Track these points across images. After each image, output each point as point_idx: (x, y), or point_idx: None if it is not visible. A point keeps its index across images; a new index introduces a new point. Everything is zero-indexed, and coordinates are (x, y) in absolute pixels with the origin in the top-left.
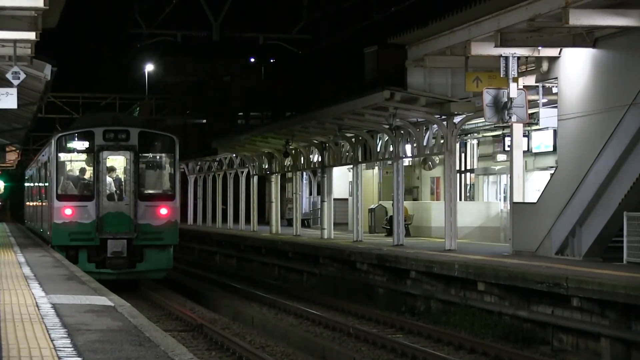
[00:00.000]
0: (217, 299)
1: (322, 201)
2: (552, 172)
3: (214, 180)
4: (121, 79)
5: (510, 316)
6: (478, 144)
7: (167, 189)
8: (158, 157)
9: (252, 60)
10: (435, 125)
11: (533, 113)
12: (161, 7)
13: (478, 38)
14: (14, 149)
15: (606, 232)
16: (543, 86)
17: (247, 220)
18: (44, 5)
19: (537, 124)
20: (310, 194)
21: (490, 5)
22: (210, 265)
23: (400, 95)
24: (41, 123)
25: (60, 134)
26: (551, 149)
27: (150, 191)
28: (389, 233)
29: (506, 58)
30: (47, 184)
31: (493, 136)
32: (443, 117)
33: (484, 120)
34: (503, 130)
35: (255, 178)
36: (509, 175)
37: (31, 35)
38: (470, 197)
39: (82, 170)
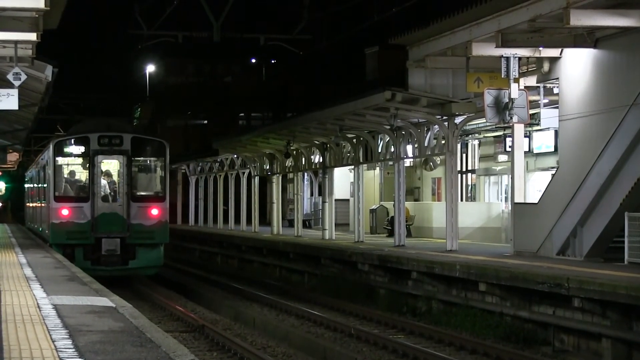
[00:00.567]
0: (218, 299)
1: (324, 202)
2: (553, 172)
3: (215, 181)
4: (122, 80)
5: (512, 317)
6: (479, 145)
7: (158, 191)
8: (149, 160)
9: (253, 60)
10: (436, 126)
11: (534, 113)
12: (162, 8)
13: (479, 39)
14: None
15: (607, 233)
16: (544, 87)
17: (249, 221)
18: (45, 6)
19: (538, 124)
20: (312, 194)
21: (491, 6)
22: (212, 266)
23: (401, 95)
24: (42, 124)
25: (57, 139)
26: (552, 149)
27: (142, 193)
28: (390, 234)
29: (507, 59)
30: (45, 186)
31: (494, 137)
32: (444, 117)
33: (485, 120)
34: (504, 130)
35: (257, 179)
36: (510, 176)
37: (32, 36)
38: (472, 198)
39: (79, 173)
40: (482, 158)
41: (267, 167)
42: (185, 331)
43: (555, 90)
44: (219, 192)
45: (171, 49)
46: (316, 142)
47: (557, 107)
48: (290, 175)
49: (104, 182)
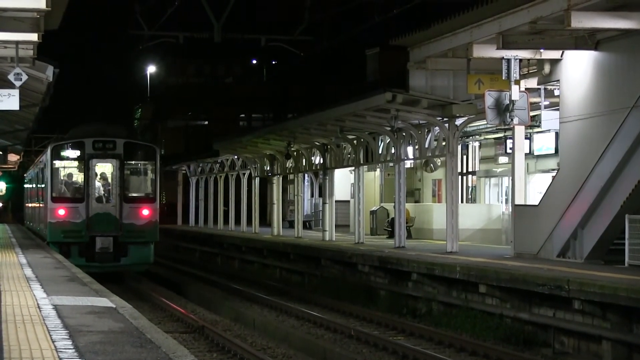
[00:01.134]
0: (218, 300)
1: (324, 203)
2: (554, 174)
3: (216, 182)
4: (123, 80)
5: (512, 318)
6: (480, 146)
7: (149, 193)
8: (141, 164)
9: (254, 62)
10: (437, 128)
11: (535, 115)
12: (163, 9)
13: (480, 40)
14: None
15: (608, 235)
16: (545, 88)
17: (249, 222)
18: (46, 7)
19: (538, 126)
20: (312, 195)
21: (492, 8)
22: (212, 267)
23: (402, 97)
24: (43, 124)
25: (55, 144)
26: (553, 151)
27: (134, 194)
28: (391, 235)
29: (508, 60)
30: (43, 187)
31: (495, 138)
32: (445, 119)
33: (485, 122)
34: (505, 132)
35: (257, 180)
36: (510, 178)
37: (33, 37)
38: (472, 200)
39: (74, 176)
40: (483, 160)
41: (268, 168)
42: (185, 332)
43: (556, 92)
44: (219, 193)
45: (172, 50)
46: (317, 143)
47: (557, 109)
48: (291, 177)
49: (98, 184)
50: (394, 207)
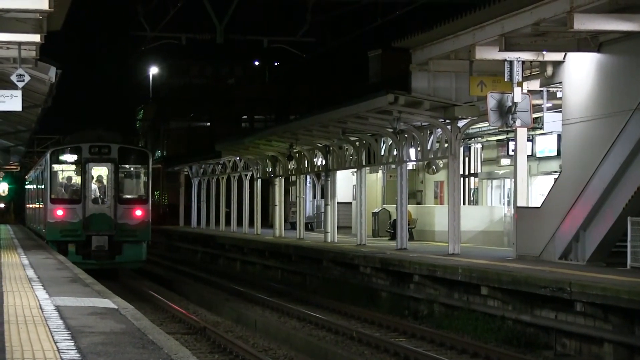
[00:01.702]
0: (220, 301)
1: (326, 205)
2: (556, 176)
3: (218, 184)
4: (125, 81)
5: (513, 320)
6: (482, 148)
7: (142, 194)
8: (134, 168)
9: (256, 63)
10: (439, 129)
11: (537, 117)
12: (165, 10)
13: (482, 42)
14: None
15: (610, 237)
16: (547, 90)
17: (251, 223)
18: (49, 8)
19: (541, 128)
20: (314, 197)
21: (494, 10)
22: (214, 268)
23: (404, 99)
24: (45, 125)
25: (54, 149)
26: (555, 153)
27: (128, 196)
28: (393, 237)
29: (510, 62)
30: (43, 189)
31: (497, 140)
32: (447, 121)
33: (488, 124)
34: (507, 134)
35: (259, 181)
36: (512, 180)
37: (36, 38)
38: (474, 201)
39: (72, 179)
40: (485, 162)
41: (270, 170)
42: (187, 333)
43: (559, 94)
44: (221, 194)
45: (174, 51)
46: (319, 144)
47: (560, 111)
48: (293, 178)
49: (94, 186)
50: (396, 208)
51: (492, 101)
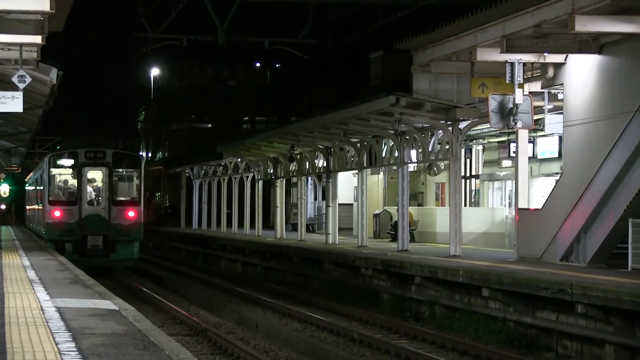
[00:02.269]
0: (221, 303)
1: (327, 206)
2: (557, 178)
3: (219, 185)
4: (127, 83)
5: (515, 322)
6: (483, 150)
7: (134, 197)
8: (127, 171)
9: (258, 64)
10: (440, 131)
11: (538, 119)
12: (167, 12)
13: (484, 44)
14: (15, 166)
15: (611, 239)
16: (548, 92)
17: (252, 224)
18: (50, 9)
19: (542, 130)
20: (315, 199)
21: (496, 11)
22: (215, 269)
23: (405, 100)
24: (47, 126)
25: (51, 154)
26: (556, 155)
27: (121, 198)
28: (394, 238)
29: (512, 64)
30: (41, 192)
31: (498, 142)
32: (448, 122)
33: (489, 126)
34: (508, 136)
35: (260, 183)
36: (514, 181)
37: (37, 39)
38: (475, 203)
39: (69, 182)
40: (486, 163)
41: (271, 171)
42: (188, 334)
43: (560, 96)
44: (222, 195)
45: (176, 53)
46: (320, 146)
47: (561, 113)
48: (294, 180)
49: (89, 189)
50: (397, 210)
51: (493, 103)
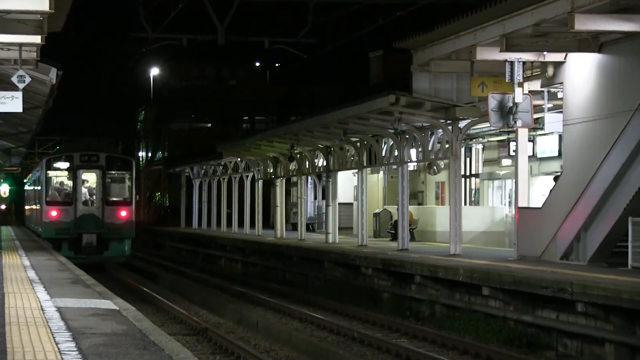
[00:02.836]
0: (221, 302)
1: (327, 205)
2: (553, 176)
3: (219, 185)
4: (126, 83)
5: (515, 321)
6: (483, 149)
7: (126, 197)
8: (119, 173)
9: (258, 64)
10: (440, 130)
11: (538, 118)
12: (166, 12)
13: (483, 43)
14: (14, 168)
15: (611, 237)
16: (548, 91)
17: (252, 224)
18: (50, 9)
19: (542, 128)
20: (315, 198)
21: (495, 10)
22: (215, 269)
23: (405, 99)
24: (46, 126)
25: (48, 157)
26: (556, 154)
27: (114, 199)
28: (394, 237)
29: (511, 63)
30: (39, 192)
31: (498, 141)
32: (448, 121)
33: (489, 125)
34: (508, 135)
35: (260, 182)
36: (514, 180)
37: (37, 39)
38: (475, 202)
39: (64, 183)
40: (486, 162)
41: (271, 171)
42: (188, 334)
43: (560, 95)
44: (222, 195)
45: (175, 52)
46: (320, 145)
47: (561, 112)
48: (294, 179)
49: (84, 190)
50: (397, 209)
51: (493, 102)
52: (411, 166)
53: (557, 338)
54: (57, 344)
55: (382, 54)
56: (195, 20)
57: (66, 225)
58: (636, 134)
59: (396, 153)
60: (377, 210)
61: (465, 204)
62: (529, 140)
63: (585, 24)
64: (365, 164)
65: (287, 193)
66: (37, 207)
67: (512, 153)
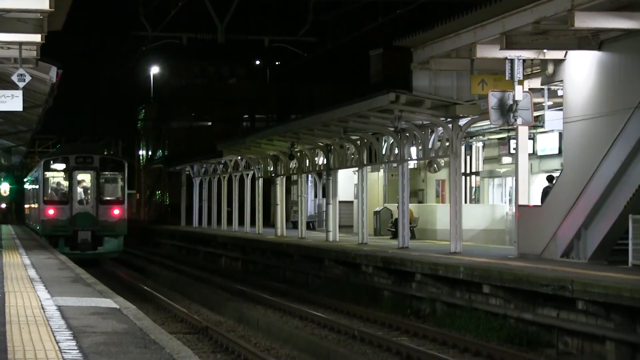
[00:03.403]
0: (222, 301)
1: (327, 204)
2: (558, 174)
3: (219, 183)
4: (126, 81)
5: (515, 319)
6: (483, 147)
7: (119, 196)
8: (112, 174)
9: (258, 62)
10: (440, 128)
11: (538, 116)
12: (166, 10)
13: (483, 41)
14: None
15: (611, 235)
16: (548, 89)
17: (252, 222)
18: (50, 8)
19: (542, 126)
20: (316, 196)
21: (495, 8)
22: (216, 267)
23: (405, 97)
24: (47, 125)
25: (46, 159)
26: (557, 151)
27: (107, 198)
28: (394, 236)
29: (511, 61)
30: (37, 192)
31: (498, 139)
32: (448, 119)
33: (489, 122)
34: (508, 132)
35: (261, 180)
36: (514, 178)
37: (37, 38)
38: (476, 200)
39: (61, 183)
40: (486, 160)
41: (271, 169)
42: (189, 333)
43: (560, 93)
44: (223, 193)
45: (175, 51)
46: (320, 143)
47: (561, 110)
48: (294, 177)
49: (79, 190)
50: (397, 207)
51: (493, 100)
52: (411, 164)
53: (558, 336)
54: (57, 342)
55: (382, 52)
56: (195, 18)
57: (63, 223)
58: (636, 131)
59: (396, 151)
60: (377, 209)
61: (465, 202)
62: (529, 138)
63: (585, 21)
64: (365, 162)
65: (288, 191)
66: (36, 206)
67: (512, 151)
